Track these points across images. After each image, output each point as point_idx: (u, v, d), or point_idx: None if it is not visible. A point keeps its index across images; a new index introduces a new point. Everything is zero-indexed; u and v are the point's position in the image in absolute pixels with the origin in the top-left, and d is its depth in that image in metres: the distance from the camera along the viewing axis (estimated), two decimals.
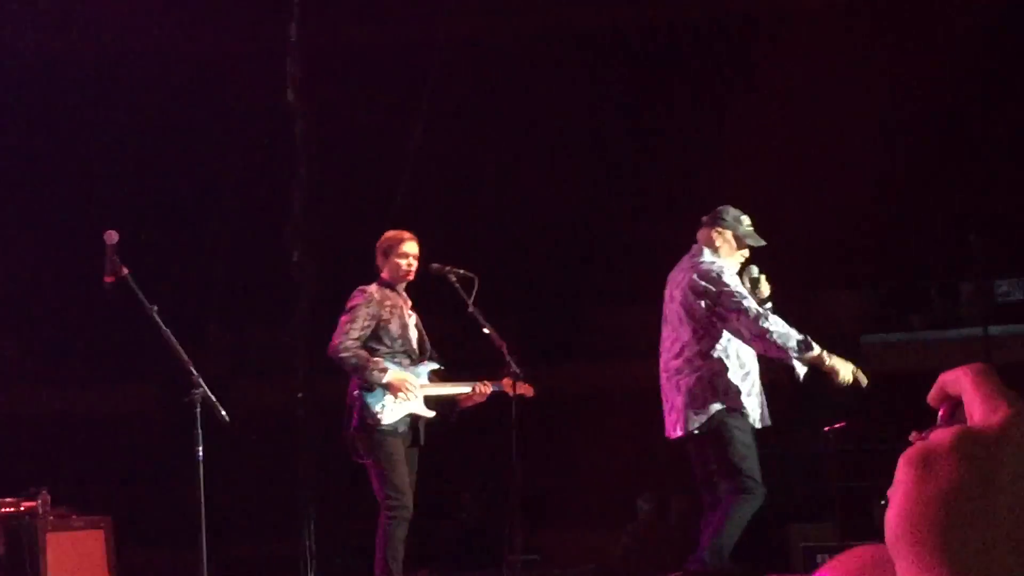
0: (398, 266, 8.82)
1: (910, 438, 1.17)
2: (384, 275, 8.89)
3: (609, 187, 15.19)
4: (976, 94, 14.90)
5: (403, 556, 8.64)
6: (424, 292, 9.07)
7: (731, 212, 8.69)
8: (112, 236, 8.12)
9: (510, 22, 15.16)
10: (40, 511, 10.44)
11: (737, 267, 8.70)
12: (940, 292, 15.94)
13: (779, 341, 8.30)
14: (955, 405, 1.17)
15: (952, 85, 14.30)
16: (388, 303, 8.79)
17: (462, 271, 8.81)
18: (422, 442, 8.80)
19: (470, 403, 8.83)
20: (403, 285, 8.91)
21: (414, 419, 8.75)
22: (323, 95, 14.28)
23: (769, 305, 8.66)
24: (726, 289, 8.41)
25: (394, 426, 8.65)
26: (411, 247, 8.86)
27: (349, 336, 8.66)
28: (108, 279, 8.09)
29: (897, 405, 13.39)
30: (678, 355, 8.60)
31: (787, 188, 13.98)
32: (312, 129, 14.12)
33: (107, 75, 14.55)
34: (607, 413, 14.45)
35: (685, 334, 8.56)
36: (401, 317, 8.84)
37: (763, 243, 8.69)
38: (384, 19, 15.13)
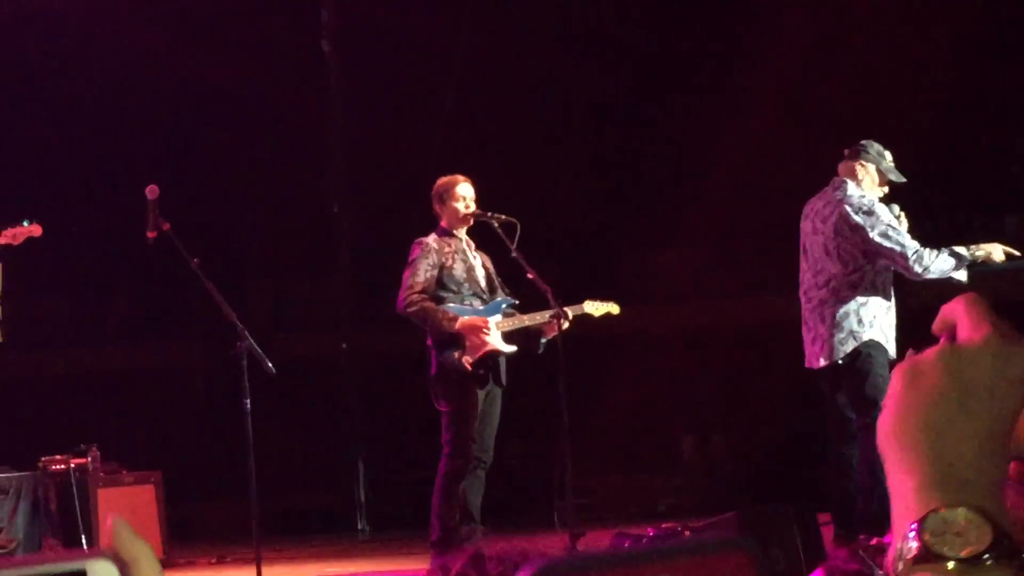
0: (456, 210, 8.77)
1: (907, 355, 1.30)
2: (443, 223, 8.85)
3: (647, 132, 15.08)
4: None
5: (465, 506, 8.59)
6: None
7: (875, 146, 8.68)
8: (153, 191, 8.13)
9: None
10: (90, 467, 10.51)
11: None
12: (984, 225, 15.82)
13: (937, 276, 8.40)
14: (952, 332, 1.29)
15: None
16: (448, 249, 8.75)
17: (504, 216, 8.74)
18: (503, 382, 8.74)
19: (553, 332, 8.71)
20: (463, 229, 8.86)
21: (494, 358, 8.68)
22: (359, 43, 14.23)
23: None
24: (880, 224, 8.43)
25: (473, 370, 8.59)
26: (466, 189, 8.82)
27: (413, 290, 8.62)
28: (150, 234, 8.10)
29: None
30: (823, 286, 8.59)
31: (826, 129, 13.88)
32: (350, 78, 14.08)
33: (144, 29, 14.52)
34: (647, 355, 14.41)
35: (832, 266, 8.55)
36: (465, 260, 8.80)
37: (904, 179, 8.68)
38: None
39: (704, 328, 14.92)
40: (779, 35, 14.16)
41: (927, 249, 8.45)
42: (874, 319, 8.50)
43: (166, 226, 8.05)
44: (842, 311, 8.53)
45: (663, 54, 14.81)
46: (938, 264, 8.40)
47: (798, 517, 6.66)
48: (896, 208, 8.76)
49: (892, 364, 8.52)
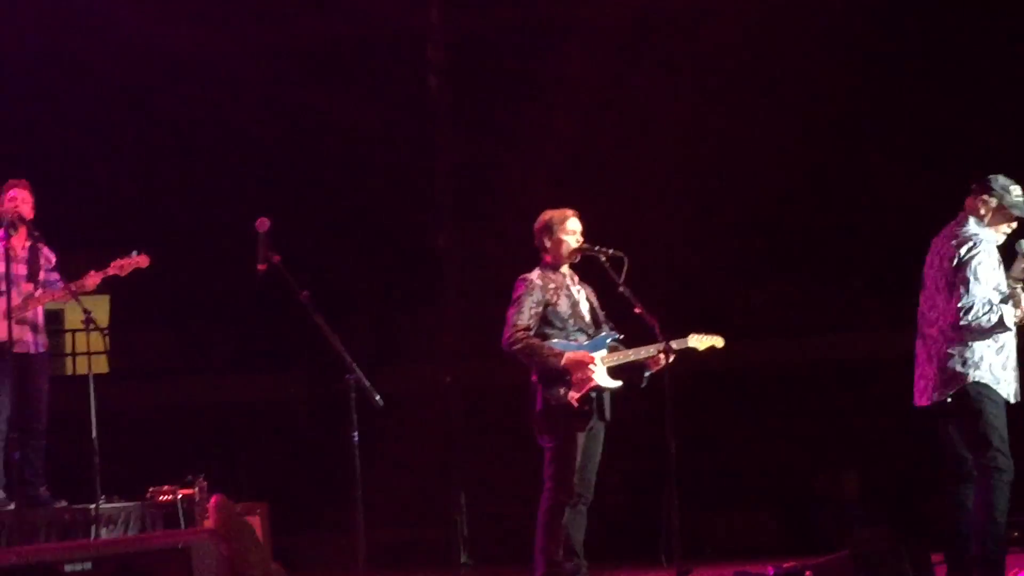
0: (565, 244, 8.74)
1: None
2: (547, 258, 8.81)
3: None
4: None
5: (568, 542, 8.53)
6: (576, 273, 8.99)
7: (1000, 180, 8.49)
8: (264, 224, 8.18)
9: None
10: (197, 498, 10.56)
11: (1001, 239, 8.52)
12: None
13: (977, 331, 8.25)
14: None
15: None
16: (552, 285, 8.72)
17: (611, 250, 8.70)
18: (608, 417, 8.70)
19: (657, 367, 8.62)
20: (567, 265, 8.83)
21: (599, 394, 8.65)
22: (466, 78, 14.28)
23: None
24: (964, 264, 8.26)
25: (578, 407, 8.56)
26: (575, 224, 8.80)
27: (518, 328, 8.61)
28: (260, 267, 8.15)
29: None
30: (933, 323, 8.48)
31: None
32: (456, 113, 14.13)
33: (256, 66, 14.68)
34: (755, 391, 14.29)
35: (941, 302, 8.42)
36: (570, 296, 8.77)
37: None
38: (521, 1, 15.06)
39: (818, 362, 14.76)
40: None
41: (984, 304, 8.25)
42: (980, 360, 8.33)
43: (276, 258, 8.09)
44: (947, 351, 8.38)
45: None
46: (980, 323, 8.21)
47: (911, 555, 6.55)
48: None
49: (1008, 405, 8.39)
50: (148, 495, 10.57)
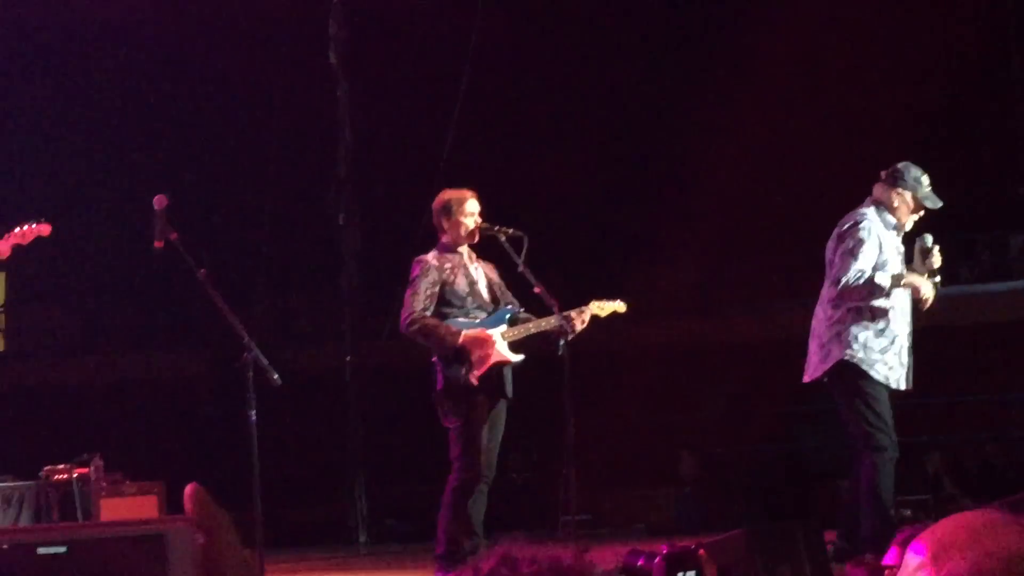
0: (463, 226, 8.70)
1: None
2: (444, 238, 8.77)
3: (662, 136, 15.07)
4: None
5: (469, 521, 8.54)
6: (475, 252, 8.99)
7: (912, 171, 8.54)
8: (161, 201, 8.11)
9: None
10: (93, 477, 10.49)
11: (904, 228, 8.60)
12: (989, 245, 15.81)
13: (853, 296, 8.36)
14: None
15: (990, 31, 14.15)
16: (448, 265, 8.70)
17: (511, 230, 8.70)
18: (509, 394, 8.67)
19: (572, 333, 8.54)
20: (464, 245, 8.80)
21: (499, 372, 8.64)
22: (365, 55, 14.21)
23: (938, 279, 8.57)
24: (844, 240, 8.37)
25: (479, 384, 8.54)
26: (474, 205, 8.75)
27: (414, 309, 8.59)
28: (157, 244, 8.08)
29: (947, 358, 13.34)
30: (820, 303, 8.60)
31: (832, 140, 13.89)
32: (356, 90, 14.06)
33: (153, 37, 14.54)
34: (644, 371, 14.36)
35: (825, 281, 8.55)
36: (467, 275, 8.75)
37: (940, 204, 8.58)
38: None
39: (708, 343, 14.87)
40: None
41: (857, 272, 8.35)
42: (854, 339, 8.41)
43: (173, 236, 8.02)
44: (826, 328, 8.52)
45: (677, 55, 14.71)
46: (860, 284, 8.32)
47: (805, 534, 6.64)
48: (929, 239, 8.65)
49: (890, 391, 8.50)
50: (43, 475, 10.48)
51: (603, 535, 11.86)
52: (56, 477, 10.44)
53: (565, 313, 8.52)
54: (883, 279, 8.33)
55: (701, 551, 5.43)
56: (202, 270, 7.98)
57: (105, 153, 14.66)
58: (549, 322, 8.62)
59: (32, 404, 13.58)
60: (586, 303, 8.72)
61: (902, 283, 8.41)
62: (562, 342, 8.61)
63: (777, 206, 14.30)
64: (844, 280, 8.32)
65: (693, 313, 15.18)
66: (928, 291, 8.44)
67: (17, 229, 9.58)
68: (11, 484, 10.25)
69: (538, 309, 8.77)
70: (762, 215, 14.57)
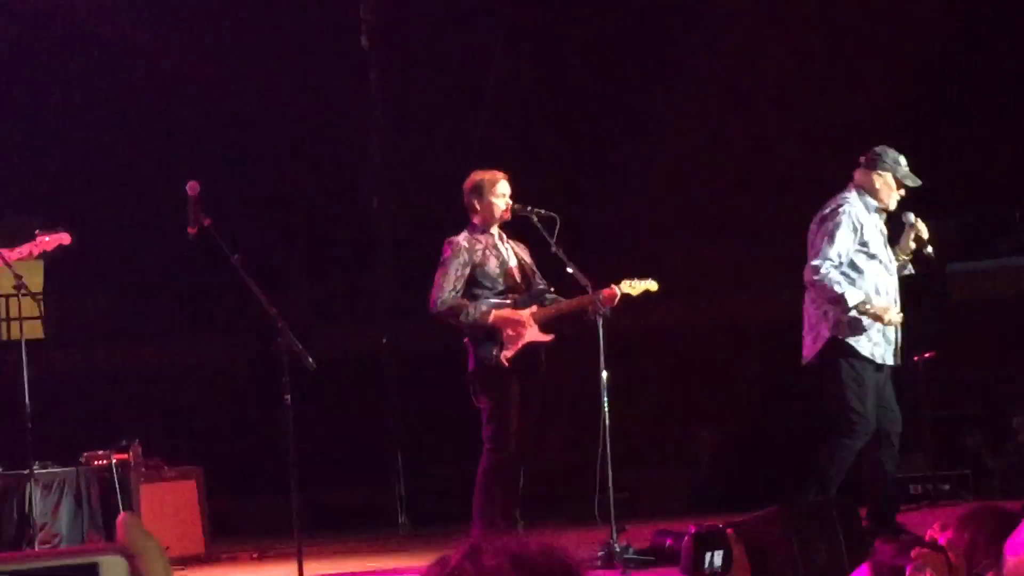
0: (494, 206, 8.72)
1: None
2: (476, 219, 8.79)
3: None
4: None
5: (503, 502, 8.56)
6: (506, 233, 9.00)
7: (890, 154, 8.73)
8: (194, 187, 8.16)
9: None
10: (132, 462, 10.57)
11: (889, 208, 8.76)
12: None
13: (823, 292, 8.47)
14: None
15: None
16: (479, 247, 8.72)
17: (543, 211, 8.72)
18: (542, 373, 8.71)
19: (608, 306, 8.54)
20: (495, 226, 8.82)
21: (531, 352, 8.65)
22: (397, 39, 14.22)
23: (929, 250, 8.72)
24: (823, 224, 8.49)
25: (510, 365, 8.56)
26: (505, 186, 8.79)
27: (444, 290, 8.62)
28: (191, 230, 8.13)
29: (985, 332, 13.27)
30: (804, 282, 8.64)
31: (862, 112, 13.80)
32: (388, 74, 14.08)
33: (188, 30, 14.57)
34: (676, 350, 14.32)
35: (808, 261, 8.63)
36: (498, 256, 8.77)
37: (919, 183, 8.74)
38: None
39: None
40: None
41: (835, 271, 8.45)
42: (840, 318, 8.48)
43: (207, 221, 8.07)
44: (813, 309, 8.64)
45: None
46: (831, 286, 8.42)
47: (840, 510, 6.64)
48: (911, 216, 8.83)
49: (879, 369, 8.55)
50: (83, 460, 10.56)
51: (642, 513, 11.85)
52: (96, 463, 10.52)
53: (596, 292, 8.53)
54: (852, 297, 8.44)
55: (729, 530, 5.43)
56: (236, 255, 8.03)
57: (139, 140, 14.70)
58: (581, 302, 8.63)
59: (71, 390, 13.65)
60: (618, 282, 8.73)
61: (866, 308, 8.46)
62: (598, 316, 8.58)
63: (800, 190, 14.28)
64: (820, 273, 8.46)
65: (729, 292, 15.10)
66: (894, 318, 8.55)
67: (37, 238, 9.59)
68: (51, 470, 10.34)
69: (569, 290, 8.78)
70: (789, 196, 14.52)
